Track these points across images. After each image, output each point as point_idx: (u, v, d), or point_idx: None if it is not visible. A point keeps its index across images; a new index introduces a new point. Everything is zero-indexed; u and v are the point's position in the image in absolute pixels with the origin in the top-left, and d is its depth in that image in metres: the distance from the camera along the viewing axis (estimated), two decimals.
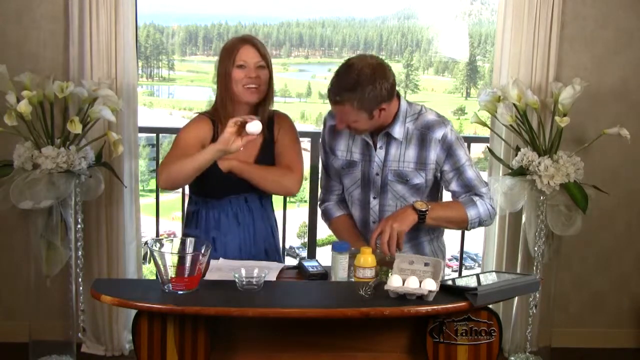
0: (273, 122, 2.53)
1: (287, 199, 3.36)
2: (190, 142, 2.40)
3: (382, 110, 2.28)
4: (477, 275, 2.05)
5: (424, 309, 1.84)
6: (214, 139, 2.41)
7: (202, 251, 1.92)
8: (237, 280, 1.93)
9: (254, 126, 2.17)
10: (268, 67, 2.45)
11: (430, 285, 1.86)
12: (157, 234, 3.63)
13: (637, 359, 3.55)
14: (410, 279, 1.88)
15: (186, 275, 1.87)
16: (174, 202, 7.41)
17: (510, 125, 3.10)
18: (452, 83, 14.42)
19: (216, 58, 2.53)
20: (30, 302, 3.19)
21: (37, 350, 3.17)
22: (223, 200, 2.49)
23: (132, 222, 3.31)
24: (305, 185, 3.43)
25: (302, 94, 14.70)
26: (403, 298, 1.86)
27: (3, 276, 3.39)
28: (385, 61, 2.30)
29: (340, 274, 2.14)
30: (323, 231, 3.32)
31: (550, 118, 3.15)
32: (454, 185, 2.42)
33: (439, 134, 2.37)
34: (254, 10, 15.98)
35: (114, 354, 3.37)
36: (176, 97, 14.98)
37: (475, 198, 2.39)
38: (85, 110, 2.95)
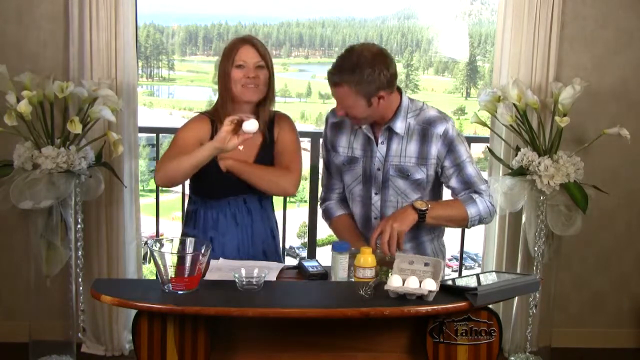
0: (274, 122, 2.53)
1: (287, 199, 3.35)
2: (189, 141, 2.40)
3: (381, 98, 2.28)
4: (477, 275, 2.05)
5: (424, 309, 1.84)
6: (212, 138, 2.41)
7: (202, 251, 1.92)
8: (237, 280, 1.93)
9: (251, 125, 2.17)
10: (268, 67, 2.44)
11: (430, 285, 1.86)
12: (157, 234, 3.63)
13: (637, 359, 3.55)
14: (410, 279, 1.88)
15: (186, 275, 1.87)
16: (174, 202, 7.42)
17: (510, 125, 3.10)
18: (452, 83, 14.43)
19: (216, 58, 2.54)
20: (30, 302, 3.19)
21: (37, 350, 3.16)
22: (222, 200, 2.48)
23: (132, 222, 3.31)
24: (305, 185, 3.44)
25: (302, 94, 14.71)
26: (403, 298, 1.86)
27: (3, 276, 3.39)
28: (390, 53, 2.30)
29: (340, 274, 2.14)
30: (323, 231, 3.32)
31: (550, 118, 3.15)
32: (453, 182, 2.42)
33: (440, 129, 2.38)
34: (254, 10, 16.00)
35: (114, 354, 3.37)
36: (176, 97, 14.99)
37: (475, 196, 2.39)
38: (85, 110, 2.95)
